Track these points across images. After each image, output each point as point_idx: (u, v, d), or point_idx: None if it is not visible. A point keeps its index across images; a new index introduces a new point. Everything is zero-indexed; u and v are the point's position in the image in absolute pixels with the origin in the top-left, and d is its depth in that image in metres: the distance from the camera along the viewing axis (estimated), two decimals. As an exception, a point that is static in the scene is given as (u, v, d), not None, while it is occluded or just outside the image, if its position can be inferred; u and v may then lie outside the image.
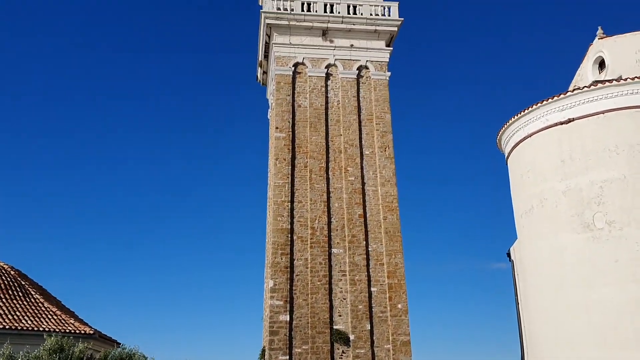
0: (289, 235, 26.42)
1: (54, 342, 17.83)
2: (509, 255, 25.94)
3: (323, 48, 29.70)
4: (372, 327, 25.70)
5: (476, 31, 78.08)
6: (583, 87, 22.18)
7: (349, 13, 29.88)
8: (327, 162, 28.06)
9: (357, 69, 29.72)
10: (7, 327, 22.06)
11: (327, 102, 29.12)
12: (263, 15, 29.53)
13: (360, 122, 29.02)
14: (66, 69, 72.80)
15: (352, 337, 25.37)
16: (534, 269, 22.92)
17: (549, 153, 22.55)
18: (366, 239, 27.00)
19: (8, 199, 66.90)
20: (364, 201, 27.61)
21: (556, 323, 21.37)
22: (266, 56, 32.06)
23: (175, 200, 71.97)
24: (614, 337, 19.67)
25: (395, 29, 30.13)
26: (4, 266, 25.96)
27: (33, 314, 23.52)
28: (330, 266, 26.33)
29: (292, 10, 29.46)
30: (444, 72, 77.61)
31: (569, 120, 22.10)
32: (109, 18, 74.15)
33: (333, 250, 26.61)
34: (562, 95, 22.28)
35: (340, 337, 25.19)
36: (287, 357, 24.65)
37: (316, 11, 29.68)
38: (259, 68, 34.01)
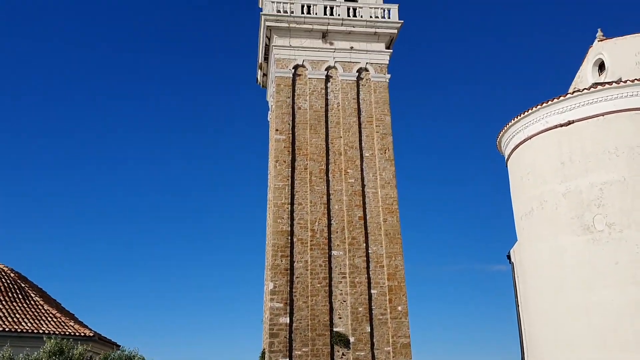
0: (289, 238, 26.42)
1: (54, 344, 17.85)
2: (509, 257, 25.94)
3: (323, 50, 29.73)
4: (372, 329, 25.68)
5: (476, 33, 78.17)
6: (583, 89, 22.19)
7: (348, 15, 29.91)
8: (327, 164, 28.07)
9: (357, 71, 29.74)
10: (6, 329, 22.05)
11: (327, 105, 29.13)
12: (263, 17, 29.56)
13: (360, 124, 29.03)
14: (66, 69, 72.92)
15: (352, 339, 25.36)
16: (534, 271, 22.91)
17: (549, 155, 22.55)
18: (366, 241, 26.99)
19: (8, 199, 66.93)
20: (364, 203, 27.61)
21: (556, 325, 21.35)
22: (266, 58, 32.09)
23: (175, 201, 72.05)
24: (614, 339, 19.66)
25: (395, 31, 30.15)
26: (4, 268, 25.95)
27: (33, 317, 23.51)
28: (330, 268, 26.32)
29: (292, 12, 29.50)
30: (444, 73, 77.70)
31: (569, 123, 22.10)
32: (109, 19, 74.23)
33: (333, 252, 26.61)
34: (561, 98, 22.28)
35: (341, 340, 25.17)
36: (287, 359, 24.63)
37: (316, 13, 29.72)
38: (259, 70, 34.04)
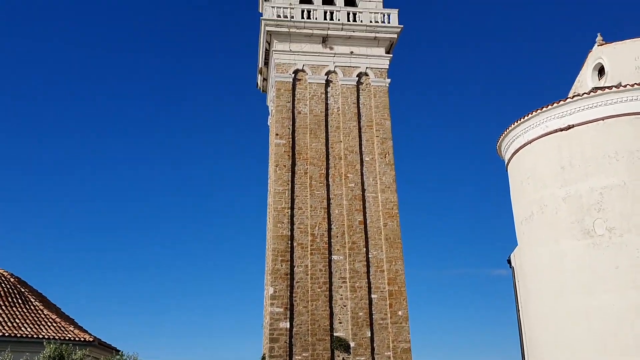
0: (289, 242, 26.41)
1: (54, 349, 17.85)
2: (509, 261, 25.91)
3: (323, 55, 29.78)
4: (372, 334, 25.65)
5: (476, 37, 78.33)
6: (583, 94, 22.22)
7: (348, 20, 29.98)
8: (327, 168, 28.08)
9: (357, 76, 29.79)
10: (6, 334, 22.03)
11: (327, 109, 29.17)
12: (263, 22, 29.63)
13: (360, 128, 29.06)
14: (66, 69, 72.89)
15: (352, 344, 25.31)
16: (534, 275, 22.89)
17: (549, 159, 22.56)
18: (366, 246, 26.98)
19: (7, 203, 66.87)
20: (364, 208, 27.61)
21: (557, 329, 21.32)
22: (266, 63, 32.15)
23: (174, 206, 72.02)
24: (614, 343, 19.63)
25: (395, 36, 30.21)
26: (4, 273, 25.95)
27: (33, 322, 23.49)
28: (330, 273, 26.30)
29: (292, 17, 29.56)
30: (444, 78, 77.83)
31: (569, 127, 22.12)
32: (109, 20, 74.32)
33: (333, 257, 26.59)
34: (561, 102, 22.31)
35: (341, 345, 25.13)
36: (287, 364, 24.58)
37: (316, 18, 29.78)
38: (259, 75, 34.10)
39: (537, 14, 76.43)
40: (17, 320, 23.15)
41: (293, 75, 29.32)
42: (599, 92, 21.71)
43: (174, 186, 72.35)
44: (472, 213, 71.53)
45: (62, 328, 23.69)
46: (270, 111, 32.70)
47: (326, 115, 29.03)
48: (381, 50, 30.34)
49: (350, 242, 26.80)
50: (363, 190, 27.91)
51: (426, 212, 69.52)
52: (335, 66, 29.75)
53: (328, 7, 30.28)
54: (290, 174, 27.56)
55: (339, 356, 25.12)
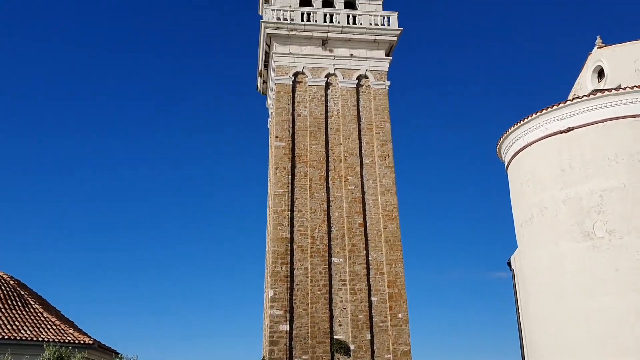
0: (289, 245, 26.41)
1: (53, 352, 17.84)
2: (509, 264, 25.88)
3: (323, 57, 29.82)
4: (372, 336, 25.63)
5: (475, 39, 78.42)
6: (582, 96, 22.21)
7: (348, 23, 30.02)
8: (327, 171, 28.10)
9: (356, 78, 29.82)
10: (6, 337, 22.01)
11: (326, 111, 29.20)
12: (263, 25, 29.67)
13: (360, 131, 29.08)
14: (65, 69, 72.89)
15: (352, 346, 25.30)
16: (534, 277, 22.87)
17: (549, 162, 22.55)
18: (366, 248, 26.98)
19: (6, 205, 66.77)
20: (364, 210, 27.62)
21: (556, 332, 21.31)
22: (266, 65, 32.19)
23: (174, 208, 71.98)
24: (614, 345, 19.61)
25: (395, 38, 30.25)
26: (3, 276, 25.92)
27: (32, 324, 23.46)
28: (330, 275, 26.30)
29: (292, 20, 29.61)
30: (444, 80, 77.90)
31: (569, 129, 22.11)
32: (109, 22, 74.39)
33: (333, 259, 26.59)
34: (561, 104, 22.30)
35: (341, 347, 25.12)
36: (287, 367, 24.57)
37: (316, 21, 29.82)
38: (259, 77, 34.13)
39: (537, 16, 76.59)
40: (16, 323, 23.12)
41: (293, 77, 29.35)
42: (599, 94, 21.71)
43: (174, 188, 72.39)
44: (472, 215, 71.56)
45: (61, 331, 23.66)
46: (270, 114, 32.72)
47: (326, 117, 29.05)
48: (381, 53, 30.38)
49: (350, 245, 26.80)
50: (363, 192, 27.92)
51: (426, 215, 69.55)
52: (335, 69, 29.78)
53: (328, 10, 30.33)
54: (290, 176, 27.57)
55: (339, 359, 25.11)
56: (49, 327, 23.68)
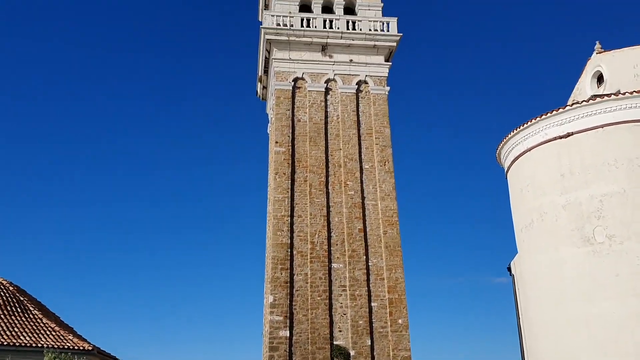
0: (289, 250, 26.38)
1: (53, 358, 17.81)
2: (509, 269, 25.88)
3: (322, 63, 29.87)
4: (372, 342, 25.57)
5: (475, 45, 78.59)
6: (582, 102, 22.25)
7: (348, 29, 30.08)
8: (327, 176, 28.10)
9: (356, 84, 29.86)
10: (5, 343, 21.96)
11: (326, 117, 29.22)
12: (263, 31, 29.73)
13: (359, 136, 29.10)
14: (66, 69, 72.86)
15: (352, 352, 25.23)
16: (535, 283, 22.86)
17: (549, 167, 22.58)
18: (366, 254, 26.95)
19: (5, 208, 66.57)
20: (364, 215, 27.60)
21: (557, 337, 21.27)
22: (266, 71, 32.24)
23: (174, 214, 71.93)
24: (614, 350, 19.58)
25: (394, 44, 30.30)
26: (3, 282, 25.89)
27: (32, 330, 23.42)
28: (330, 281, 26.26)
29: (292, 26, 29.66)
30: (443, 85, 78.02)
31: (568, 135, 22.15)
32: (109, 21, 74.46)
33: (333, 265, 26.56)
34: (561, 110, 22.34)
35: (341, 353, 25.06)
36: (287, 372, 24.50)
37: (315, 27, 29.88)
38: (259, 83, 34.18)
39: (536, 21, 76.79)
40: (16, 329, 23.07)
41: (293, 83, 29.39)
42: (598, 99, 21.75)
43: (174, 193, 72.37)
44: (472, 221, 71.56)
45: (61, 337, 23.61)
46: (270, 119, 32.75)
47: (326, 123, 29.07)
48: (380, 59, 30.42)
49: (350, 250, 26.77)
50: (363, 198, 27.91)
51: (426, 220, 69.56)
52: (335, 74, 29.83)
53: (327, 16, 30.40)
54: (290, 181, 27.57)
55: (339, 364, 25.03)
56: (48, 333, 23.64)
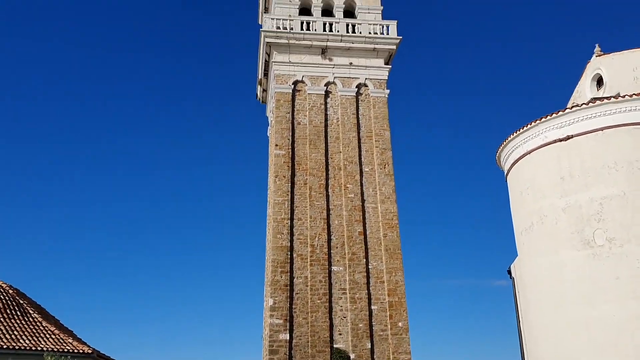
0: (289, 253, 26.36)
1: (52, 361, 17.78)
2: (509, 272, 25.85)
3: (322, 66, 29.89)
4: (372, 345, 25.54)
5: (475, 48, 78.65)
6: (581, 104, 22.26)
7: (347, 32, 30.11)
8: (327, 179, 28.10)
9: (356, 87, 29.88)
10: (5, 346, 21.95)
11: (326, 120, 29.24)
12: (263, 34, 29.76)
13: (359, 139, 29.11)
14: (66, 69, 72.82)
15: (352, 355, 25.20)
16: (535, 286, 22.84)
17: (548, 170, 22.57)
18: (366, 257, 26.93)
19: (5, 210, 66.48)
20: (364, 218, 27.60)
21: (557, 340, 21.25)
22: (266, 74, 32.26)
23: (174, 216, 71.89)
24: (615, 353, 19.55)
25: (394, 47, 30.34)
26: (3, 285, 25.88)
27: (31, 333, 23.40)
28: (330, 284, 26.24)
29: (292, 29, 29.69)
30: (443, 88, 78.05)
31: (568, 137, 22.15)
32: (109, 22, 74.50)
33: (333, 268, 26.54)
34: (560, 112, 22.35)
35: (341, 356, 25.02)
36: (287, 376, 24.47)
37: (315, 30, 29.91)
38: (259, 86, 34.21)
39: (536, 24, 76.83)
40: (15, 332, 23.06)
41: (292, 86, 29.41)
42: (598, 102, 21.76)
43: (173, 195, 72.32)
44: (472, 223, 71.51)
45: (60, 340, 23.60)
46: (269, 122, 32.77)
47: (325, 126, 29.09)
48: (380, 62, 30.45)
49: (350, 253, 26.75)
50: (363, 200, 27.91)
51: (426, 223, 69.49)
52: (335, 77, 29.85)
53: (327, 19, 30.43)
54: (289, 184, 27.57)
55: (339, 368, 24.99)
56: (48, 336, 23.62)
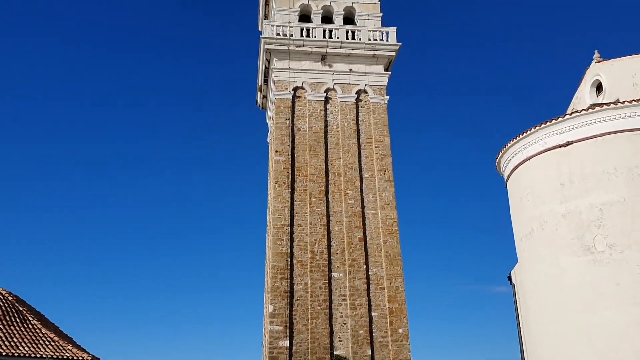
0: (289, 260, 26.34)
1: (51, 368, 17.72)
2: (509, 278, 25.81)
3: (322, 72, 29.96)
4: (372, 352, 25.48)
5: (474, 54, 78.85)
6: (581, 110, 22.29)
7: (347, 38, 30.19)
8: (327, 185, 28.10)
9: (356, 93, 29.93)
10: (4, 353, 21.88)
11: (326, 126, 29.27)
12: (263, 40, 29.83)
13: (359, 145, 29.13)
14: (64, 72, 72.83)
15: (352, 362, 25.12)
16: (535, 292, 22.80)
17: (548, 176, 22.57)
18: (366, 263, 26.90)
19: (4, 215, 66.37)
20: (364, 224, 27.58)
21: (557, 346, 21.19)
22: (266, 80, 32.32)
23: (173, 222, 71.82)
24: (615, 359, 19.51)
25: (394, 53, 30.41)
26: (2, 291, 25.82)
27: (30, 340, 23.33)
28: (330, 290, 26.20)
29: (292, 35, 29.77)
30: (442, 94, 78.18)
31: (568, 144, 22.16)
32: (110, 22, 74.63)
33: (333, 274, 26.51)
34: (560, 119, 22.37)
35: (341, 363, 24.97)
36: (287, 383, 24.40)
37: (315, 36, 29.99)
38: (259, 92, 34.27)
39: (535, 31, 77.06)
40: (15, 339, 22.99)
41: (292, 92, 29.46)
42: (598, 108, 21.78)
43: (172, 202, 72.27)
44: (473, 229, 71.51)
45: (60, 347, 23.53)
46: (269, 128, 32.80)
47: (325, 132, 29.12)
48: (380, 68, 30.52)
49: (350, 259, 26.72)
50: (363, 207, 27.90)
51: (426, 229, 69.48)
52: (335, 83, 29.90)
53: (327, 26, 30.52)
54: (289, 190, 27.57)
55: (339, 374, 24.93)
56: (47, 343, 23.56)
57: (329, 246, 26.93)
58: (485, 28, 79.17)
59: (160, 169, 72.85)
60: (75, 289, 67.06)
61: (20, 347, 22.58)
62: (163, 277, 69.95)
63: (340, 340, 25.57)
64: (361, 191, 28.23)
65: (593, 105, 22.58)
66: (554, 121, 22.51)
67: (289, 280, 25.98)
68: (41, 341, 23.59)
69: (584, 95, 26.36)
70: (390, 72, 30.70)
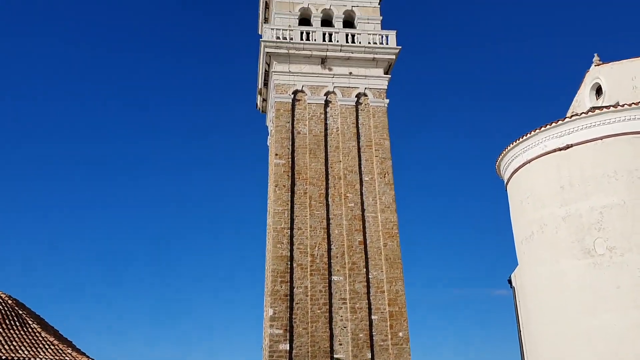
0: (289, 263, 26.31)
1: (51, 372, 17.69)
2: (510, 281, 25.82)
3: (322, 76, 29.97)
4: (373, 356, 25.43)
5: (474, 58, 78.88)
6: (581, 114, 22.33)
7: (347, 42, 30.21)
8: (327, 188, 28.09)
9: (355, 96, 29.94)
10: (4, 357, 21.84)
11: (326, 129, 29.27)
12: (262, 44, 29.85)
13: (359, 148, 29.13)
14: (64, 72, 72.77)
15: (352, 365, 25.08)
16: (535, 295, 22.79)
17: (548, 179, 22.60)
18: (366, 266, 26.87)
19: (3, 216, 66.24)
20: (364, 228, 27.56)
21: (558, 350, 21.18)
22: (266, 84, 32.35)
23: (172, 225, 71.67)
24: (617, 364, 19.49)
25: (394, 56, 30.43)
26: (1, 295, 25.79)
27: (30, 344, 23.28)
28: (330, 294, 26.16)
29: (292, 39, 29.80)
30: (442, 97, 78.21)
31: (568, 147, 22.19)
32: (110, 22, 74.63)
33: (333, 277, 26.48)
34: (560, 122, 22.41)
35: (341, 366, 24.93)
36: (287, 386, 24.35)
37: (315, 40, 30.01)
38: (259, 95, 34.29)
39: (535, 34, 77.08)
40: (14, 343, 22.94)
41: (292, 95, 29.47)
42: (597, 111, 21.83)
43: (172, 205, 72.11)
44: (473, 232, 71.37)
45: (59, 351, 23.48)
46: (269, 131, 32.81)
47: (325, 135, 29.12)
48: (380, 71, 30.53)
49: (350, 263, 26.70)
50: (363, 210, 27.88)
51: (426, 232, 69.37)
52: (334, 87, 29.92)
53: (327, 29, 30.55)
54: (289, 194, 27.55)
55: (339, 378, 24.89)
56: (47, 347, 23.50)
57: (329, 249, 26.91)
58: (485, 31, 79.30)
59: (160, 169, 72.68)
60: (74, 291, 66.95)
61: (19, 351, 22.53)
62: (162, 280, 69.73)
63: (341, 344, 25.54)
64: (361, 194, 28.22)
65: (593, 109, 22.64)
66: (553, 124, 22.55)
67: (289, 284, 25.95)
68: (41, 345, 23.54)
69: (583, 98, 26.40)
70: (390, 75, 30.73)
